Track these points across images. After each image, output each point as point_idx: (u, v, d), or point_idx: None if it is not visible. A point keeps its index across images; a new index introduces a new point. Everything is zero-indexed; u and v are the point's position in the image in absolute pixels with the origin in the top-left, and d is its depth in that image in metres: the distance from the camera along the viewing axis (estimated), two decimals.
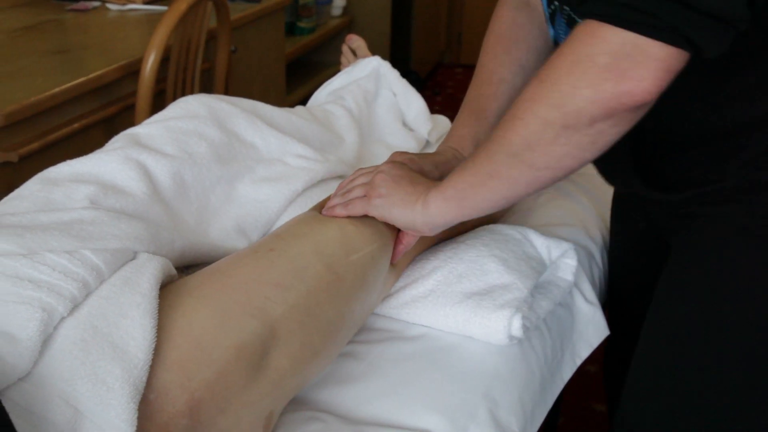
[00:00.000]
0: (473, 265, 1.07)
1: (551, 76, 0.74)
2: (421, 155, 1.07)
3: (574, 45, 0.72)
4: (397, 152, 1.07)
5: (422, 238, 1.08)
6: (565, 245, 1.14)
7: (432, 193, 0.92)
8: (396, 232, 1.03)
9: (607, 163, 0.98)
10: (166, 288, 0.83)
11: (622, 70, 0.68)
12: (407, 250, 1.03)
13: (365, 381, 0.95)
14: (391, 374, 0.96)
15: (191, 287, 0.83)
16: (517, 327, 0.99)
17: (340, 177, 1.23)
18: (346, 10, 3.68)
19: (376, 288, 1.01)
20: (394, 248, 1.02)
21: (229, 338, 0.77)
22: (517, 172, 0.82)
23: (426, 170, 1.03)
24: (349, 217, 0.99)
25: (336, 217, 0.99)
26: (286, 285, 0.86)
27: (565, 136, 0.75)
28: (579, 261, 1.16)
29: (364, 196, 0.99)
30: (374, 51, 1.78)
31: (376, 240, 1.00)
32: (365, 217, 0.99)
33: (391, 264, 1.03)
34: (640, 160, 0.96)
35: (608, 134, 0.74)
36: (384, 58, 1.67)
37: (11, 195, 0.98)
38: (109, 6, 2.35)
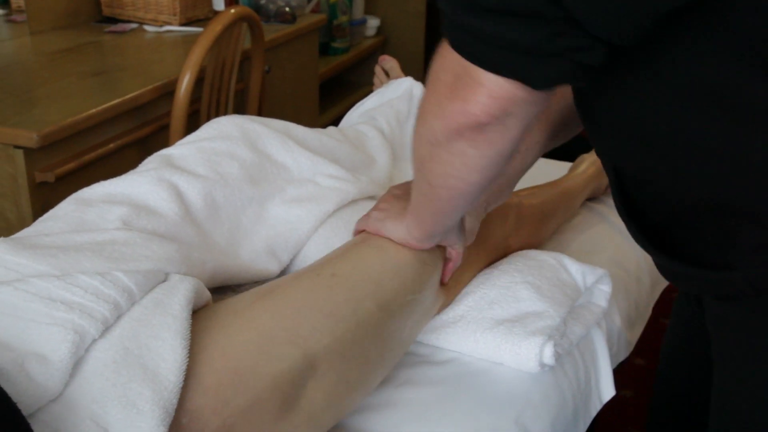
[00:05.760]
0: (505, 291, 1.05)
1: (425, 91, 0.74)
2: None
3: (433, 61, 0.71)
4: None
5: (471, 263, 1.08)
6: (600, 271, 1.12)
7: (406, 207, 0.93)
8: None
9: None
10: (212, 307, 0.82)
11: (457, 89, 0.67)
12: (456, 267, 1.01)
13: (394, 406, 0.94)
14: (420, 399, 0.95)
15: (239, 308, 0.82)
16: (549, 354, 0.97)
17: (372, 198, 1.22)
18: (380, 30, 3.69)
19: (419, 329, 1.01)
20: (444, 267, 1.01)
21: (268, 366, 0.77)
22: (426, 188, 0.81)
23: None
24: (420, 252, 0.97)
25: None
26: (339, 316, 0.85)
27: (435, 153, 0.74)
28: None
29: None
30: (408, 71, 1.78)
31: (436, 284, 0.99)
32: (435, 257, 0.98)
33: (442, 284, 1.02)
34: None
35: (472, 156, 0.71)
36: (417, 78, 1.67)
37: (46, 215, 0.99)
38: (146, 28, 2.39)
